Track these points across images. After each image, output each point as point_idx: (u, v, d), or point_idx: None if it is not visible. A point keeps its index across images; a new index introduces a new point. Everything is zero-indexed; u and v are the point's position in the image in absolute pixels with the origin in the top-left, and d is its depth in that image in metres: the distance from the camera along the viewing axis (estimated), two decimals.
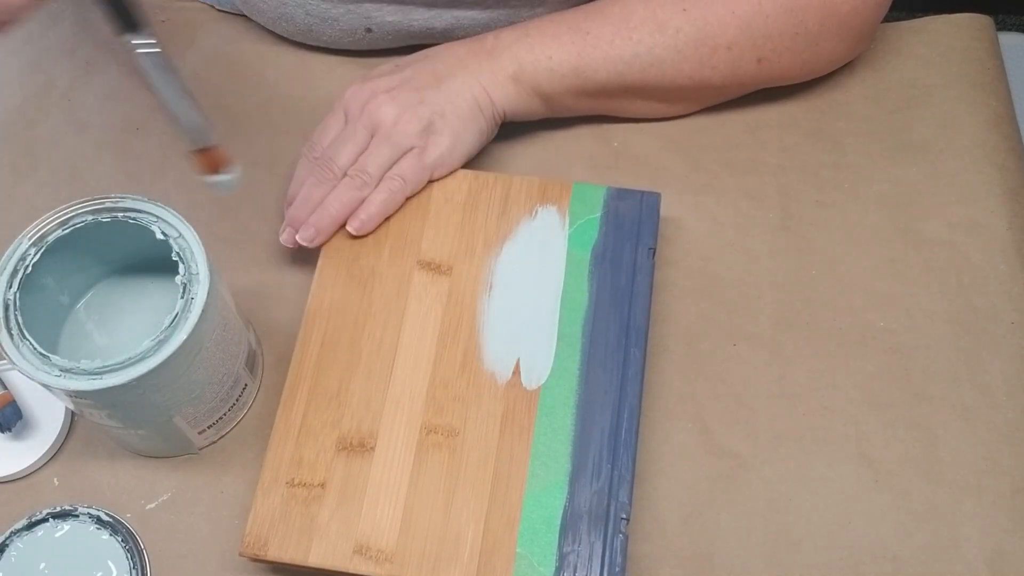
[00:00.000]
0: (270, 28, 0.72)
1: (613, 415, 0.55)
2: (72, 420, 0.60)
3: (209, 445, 0.60)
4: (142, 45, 0.38)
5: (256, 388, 0.61)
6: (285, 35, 0.72)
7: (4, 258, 0.52)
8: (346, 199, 0.60)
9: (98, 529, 0.56)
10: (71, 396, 0.50)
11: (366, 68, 0.72)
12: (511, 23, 0.68)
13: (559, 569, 0.52)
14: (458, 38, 0.70)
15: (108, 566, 0.55)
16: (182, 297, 0.51)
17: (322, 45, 0.72)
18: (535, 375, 0.56)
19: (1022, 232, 0.65)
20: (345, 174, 0.60)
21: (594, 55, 0.62)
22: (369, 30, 0.70)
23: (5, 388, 0.60)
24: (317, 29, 0.70)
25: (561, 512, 0.53)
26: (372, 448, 0.55)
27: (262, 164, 0.68)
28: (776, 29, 0.62)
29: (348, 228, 0.60)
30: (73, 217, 0.53)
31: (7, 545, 0.55)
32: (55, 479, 0.59)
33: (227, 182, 0.43)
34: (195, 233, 0.52)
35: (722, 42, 0.62)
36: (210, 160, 0.42)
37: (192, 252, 0.52)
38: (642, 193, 0.62)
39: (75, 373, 0.49)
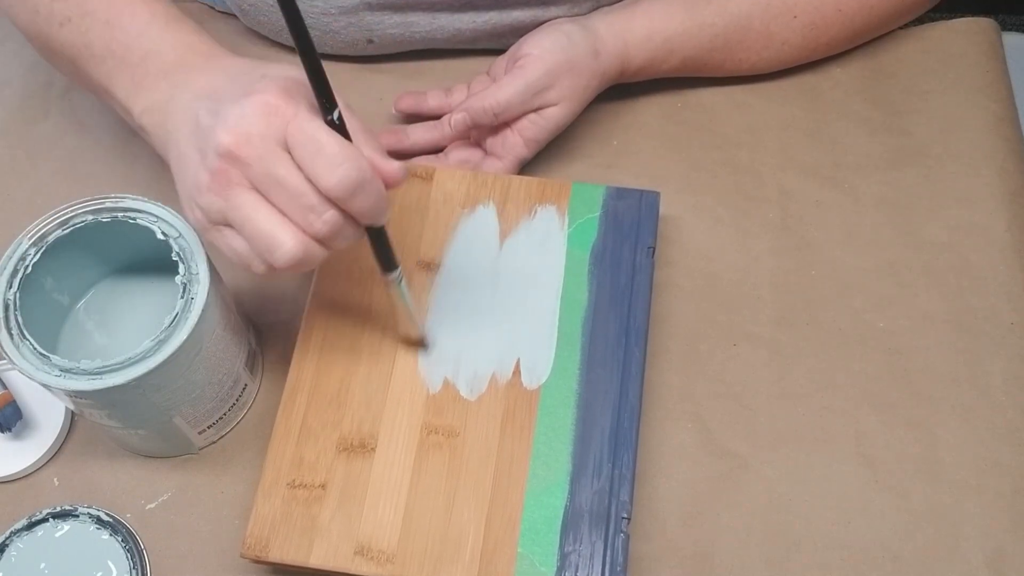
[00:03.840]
0: (272, 39, 0.72)
1: (613, 415, 0.55)
2: (72, 420, 0.60)
3: (209, 445, 0.60)
4: (397, 277, 0.52)
5: (256, 388, 0.61)
6: (287, 44, 0.72)
7: (4, 258, 0.52)
8: None
9: (98, 529, 0.56)
10: (71, 396, 0.50)
11: (366, 70, 0.72)
12: (513, 29, 0.68)
13: (560, 569, 0.52)
14: (460, 44, 0.71)
15: (108, 566, 0.55)
16: (182, 297, 0.51)
17: (323, 53, 0.72)
18: (535, 375, 0.56)
19: (1021, 234, 0.65)
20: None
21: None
22: (371, 41, 0.70)
23: (5, 388, 0.60)
24: (318, 40, 0.70)
25: (562, 512, 0.53)
26: (373, 449, 0.55)
27: None
28: None
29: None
30: (73, 217, 0.53)
31: (7, 545, 0.55)
32: (55, 479, 0.59)
33: (420, 353, 0.58)
34: (195, 233, 0.52)
35: None
36: (413, 343, 0.57)
37: (192, 252, 0.52)
38: (641, 192, 0.62)
39: (75, 373, 0.49)
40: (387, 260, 0.51)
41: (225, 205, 0.46)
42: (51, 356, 0.49)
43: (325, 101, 0.45)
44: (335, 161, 0.44)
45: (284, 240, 0.45)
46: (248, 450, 0.59)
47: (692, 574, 0.56)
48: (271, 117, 0.44)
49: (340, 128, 0.45)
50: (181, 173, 0.49)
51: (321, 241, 0.46)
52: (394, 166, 0.46)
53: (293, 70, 0.48)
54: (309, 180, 0.44)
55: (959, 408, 0.59)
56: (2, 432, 0.59)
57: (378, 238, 0.49)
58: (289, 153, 0.45)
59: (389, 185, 0.46)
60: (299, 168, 0.44)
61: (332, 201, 0.45)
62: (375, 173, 0.45)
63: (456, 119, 0.64)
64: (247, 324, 0.60)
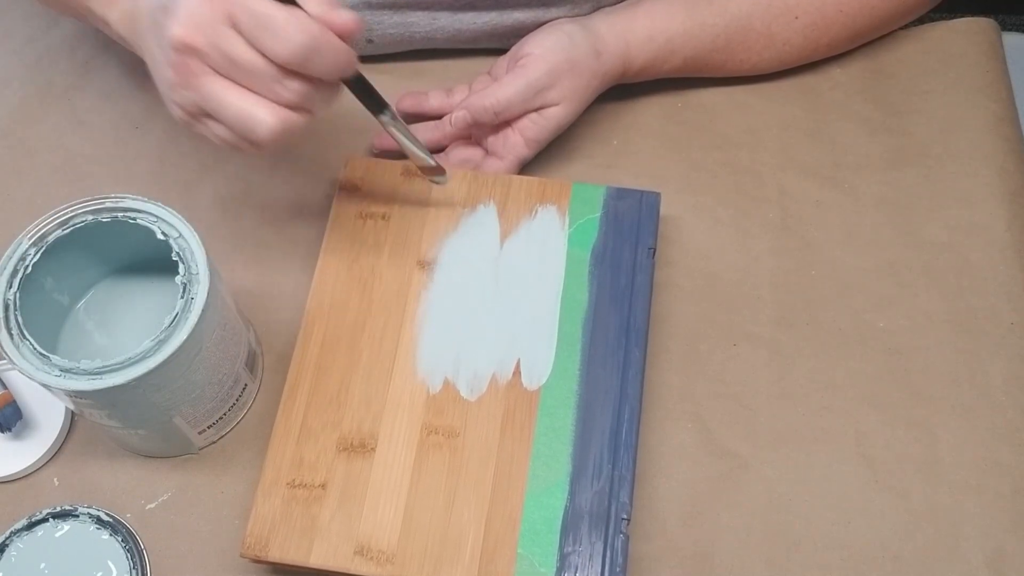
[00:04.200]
0: None
1: (613, 415, 0.55)
2: (72, 420, 0.60)
3: (209, 445, 0.60)
4: (389, 117, 0.54)
5: (256, 388, 0.61)
6: None
7: (4, 258, 0.52)
8: None
9: (98, 529, 0.56)
10: (71, 396, 0.50)
11: (366, 70, 0.71)
12: (513, 30, 0.68)
13: (560, 569, 0.52)
14: (460, 45, 0.71)
15: (108, 566, 0.55)
16: (182, 297, 0.51)
17: None
18: (535, 375, 0.56)
19: (1021, 234, 0.65)
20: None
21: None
22: (370, 41, 0.70)
23: (5, 388, 0.60)
24: None
25: (562, 512, 0.53)
26: (373, 449, 0.55)
27: (262, 165, 0.68)
28: None
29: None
30: (73, 217, 0.53)
31: (7, 545, 0.55)
32: (55, 479, 0.59)
33: (441, 180, 0.60)
34: (195, 233, 0.52)
35: None
36: (432, 172, 0.59)
37: (192, 252, 0.52)
38: (642, 193, 0.62)
39: (75, 373, 0.49)
40: (374, 104, 0.53)
41: (196, 96, 0.47)
42: (51, 356, 0.49)
43: None
44: (282, 33, 0.44)
45: (261, 116, 0.46)
46: (248, 450, 0.59)
47: (692, 574, 0.56)
48: (214, 1, 0.45)
49: None
50: (156, 76, 0.50)
51: (295, 108, 0.47)
52: (344, 16, 0.46)
53: None
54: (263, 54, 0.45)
55: (959, 408, 0.59)
56: (2, 432, 0.59)
57: (357, 86, 0.51)
58: (238, 32, 0.45)
59: (345, 37, 0.47)
60: (251, 44, 0.45)
61: (292, 70, 0.45)
62: (327, 30, 0.45)
63: (457, 117, 0.64)
64: (247, 324, 0.60)
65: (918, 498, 0.57)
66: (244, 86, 0.46)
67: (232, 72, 0.46)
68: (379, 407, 0.56)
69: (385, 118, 0.54)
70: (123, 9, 0.54)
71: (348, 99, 0.71)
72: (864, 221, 0.66)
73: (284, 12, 0.44)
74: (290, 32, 0.44)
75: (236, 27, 0.45)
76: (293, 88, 0.46)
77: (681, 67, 0.67)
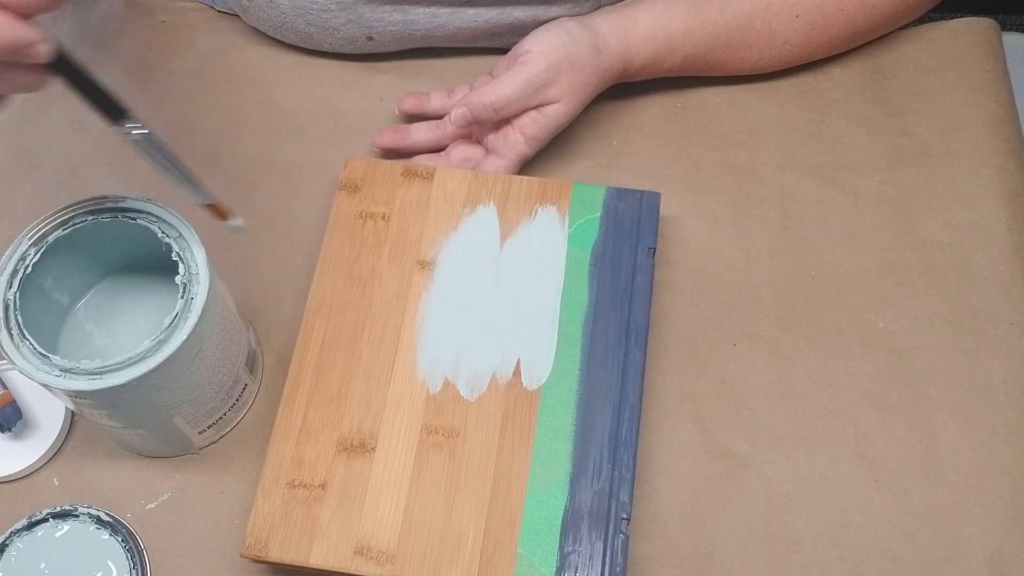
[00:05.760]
0: (271, 35, 0.72)
1: (613, 415, 0.55)
2: (72, 420, 0.60)
3: (209, 445, 0.60)
4: (133, 129, 0.44)
5: (256, 388, 0.61)
6: (286, 42, 0.72)
7: (4, 258, 0.52)
8: None
9: (98, 529, 0.56)
10: (71, 396, 0.50)
11: (366, 70, 0.72)
12: (513, 28, 0.68)
13: (560, 569, 0.52)
14: (460, 43, 0.71)
15: (108, 566, 0.55)
16: (182, 297, 0.51)
17: (323, 51, 0.72)
18: (535, 375, 0.56)
19: (1021, 234, 0.65)
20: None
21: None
22: (370, 38, 0.70)
23: (5, 388, 0.60)
24: (318, 37, 0.70)
25: (562, 512, 0.53)
26: (373, 449, 0.55)
27: (261, 164, 0.68)
28: None
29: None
30: (73, 217, 0.53)
31: (7, 545, 0.55)
32: (55, 479, 0.59)
33: (237, 227, 0.51)
34: (195, 233, 0.52)
35: None
36: (217, 211, 0.51)
37: (192, 252, 0.52)
38: (642, 193, 0.62)
39: (75, 373, 0.49)
40: (103, 106, 0.44)
41: None
42: (51, 356, 0.49)
43: None
44: None
45: None
46: (248, 450, 0.59)
47: (692, 574, 0.56)
48: None
49: None
50: None
51: None
52: None
53: None
54: None
55: (959, 408, 0.59)
56: (2, 432, 0.59)
57: (75, 80, 0.43)
58: None
59: (24, 11, 0.40)
60: None
61: None
62: None
63: (457, 114, 0.64)
64: (247, 324, 0.60)
65: (918, 498, 0.57)
66: None
67: None
68: (379, 407, 0.56)
69: (124, 128, 0.44)
70: None
71: (349, 101, 0.71)
72: (864, 221, 0.66)
73: None
74: None
75: None
76: None
77: (681, 65, 0.67)
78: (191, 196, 0.49)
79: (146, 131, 0.44)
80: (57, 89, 0.72)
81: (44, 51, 0.42)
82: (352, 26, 0.69)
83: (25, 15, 0.41)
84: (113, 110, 0.44)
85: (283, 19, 0.69)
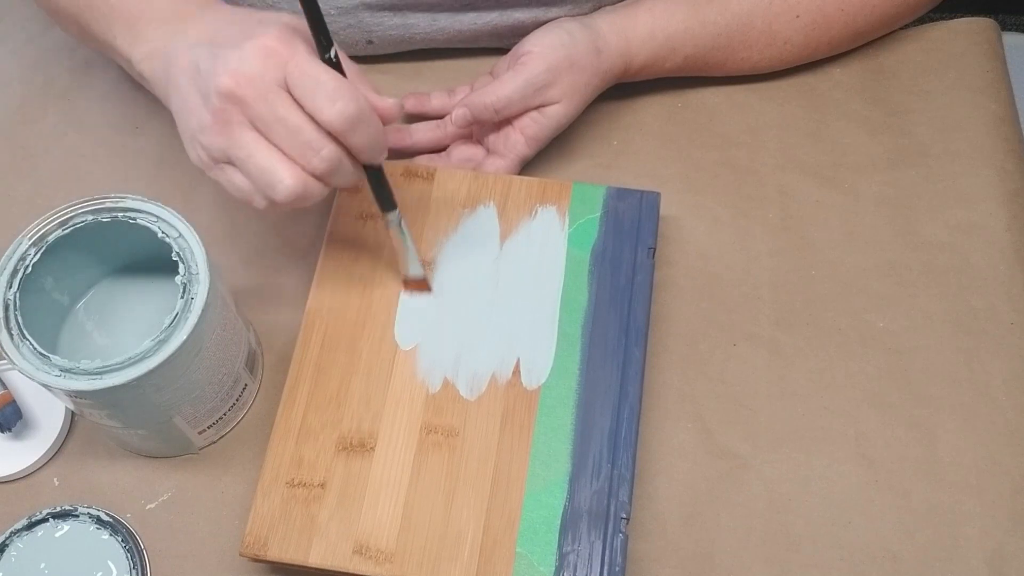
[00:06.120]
0: None
1: (613, 415, 0.55)
2: (72, 420, 0.60)
3: (209, 445, 0.60)
4: (396, 217, 0.54)
5: (256, 388, 0.61)
6: None
7: (4, 258, 0.52)
8: None
9: (98, 529, 0.56)
10: (71, 396, 0.50)
11: (368, 71, 0.72)
12: (513, 30, 0.68)
13: (559, 568, 0.52)
14: (460, 44, 0.71)
15: (108, 566, 0.55)
16: (182, 297, 0.51)
17: None
18: (535, 375, 0.56)
19: (1021, 234, 0.65)
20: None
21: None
22: (370, 42, 0.70)
23: (5, 388, 0.60)
24: None
25: (561, 512, 0.53)
26: (372, 448, 0.55)
27: None
28: None
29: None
30: (73, 217, 0.53)
31: (7, 545, 0.55)
32: (55, 479, 0.59)
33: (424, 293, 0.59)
34: (195, 233, 0.52)
35: None
36: (417, 285, 0.59)
37: (192, 252, 0.52)
38: (642, 193, 0.62)
39: (75, 373, 0.49)
40: (386, 200, 0.54)
41: (227, 143, 0.48)
42: (51, 356, 0.49)
43: (323, 39, 0.47)
44: (333, 95, 0.46)
45: (283, 176, 0.47)
46: (248, 450, 0.59)
47: (692, 574, 0.56)
48: (270, 59, 0.47)
49: (337, 66, 0.48)
50: (183, 116, 0.50)
51: (320, 177, 0.48)
52: (389, 102, 0.49)
53: (288, 16, 0.50)
54: (308, 117, 0.47)
55: (959, 408, 0.59)
56: (2, 432, 0.59)
57: (376, 178, 0.52)
58: (288, 93, 0.47)
59: (386, 120, 0.49)
60: (298, 106, 0.47)
61: (331, 136, 0.47)
62: (372, 109, 0.48)
63: (457, 114, 0.64)
64: (247, 324, 0.60)
65: (918, 498, 0.57)
66: (276, 144, 0.47)
67: (271, 128, 0.47)
68: (378, 407, 0.56)
69: (392, 216, 0.54)
70: (153, 48, 0.54)
71: None
72: (864, 221, 0.66)
73: (339, 79, 0.47)
74: (343, 97, 0.46)
75: (288, 86, 0.47)
76: (324, 155, 0.47)
77: (682, 65, 0.67)
78: (410, 269, 0.58)
79: (402, 218, 0.55)
80: (57, 89, 0.72)
81: (383, 156, 0.50)
82: (352, 30, 0.69)
83: (385, 123, 0.49)
84: (389, 203, 0.54)
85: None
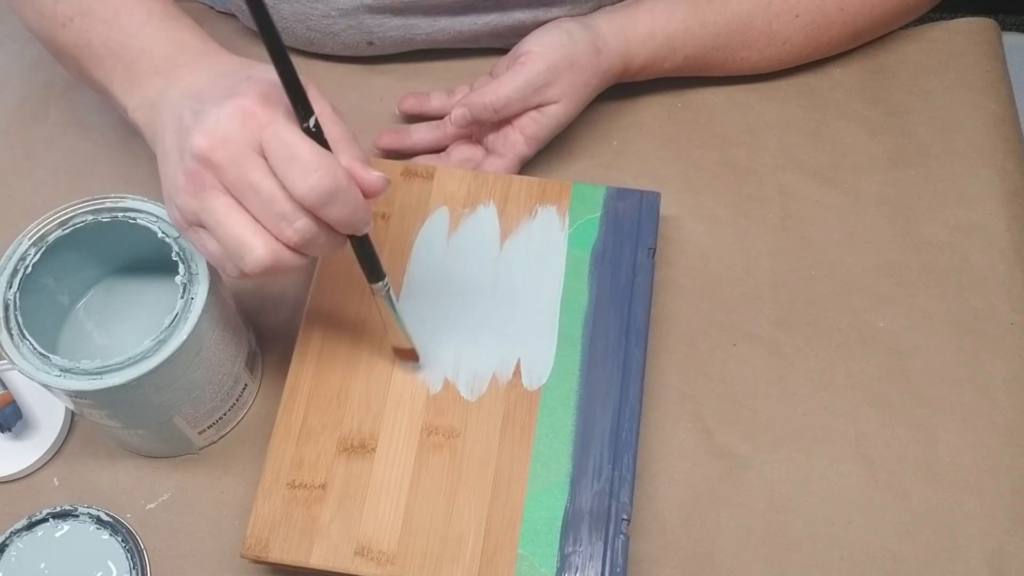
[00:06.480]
0: None
1: (614, 415, 0.55)
2: (72, 420, 0.60)
3: (209, 445, 0.60)
4: (383, 287, 0.51)
5: (256, 388, 0.61)
6: (287, 44, 0.72)
7: (4, 258, 0.52)
8: None
9: (98, 529, 0.56)
10: (71, 396, 0.50)
11: (366, 70, 0.72)
12: (513, 30, 0.68)
13: (560, 570, 0.52)
14: (461, 44, 0.71)
15: (108, 566, 0.55)
16: (182, 297, 0.51)
17: (323, 54, 0.72)
18: (535, 376, 0.56)
19: (1021, 234, 0.65)
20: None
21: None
22: (371, 43, 0.70)
23: (5, 388, 0.60)
24: (318, 42, 0.70)
25: (562, 513, 0.53)
26: (373, 449, 0.55)
27: None
28: None
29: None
30: (73, 217, 0.53)
31: (7, 545, 0.55)
32: (55, 479, 0.59)
33: (416, 366, 0.57)
34: None
35: None
36: (405, 355, 0.56)
37: (192, 252, 0.52)
38: (642, 193, 0.62)
39: (75, 373, 0.49)
40: (372, 270, 0.50)
41: (199, 207, 0.45)
42: (51, 356, 0.49)
43: (300, 108, 0.44)
44: (308, 168, 0.43)
45: (255, 246, 0.44)
46: (248, 450, 0.59)
47: (692, 574, 0.56)
48: (247, 121, 0.44)
49: (317, 135, 0.44)
50: (163, 170, 0.49)
51: (294, 249, 0.45)
52: (373, 176, 0.45)
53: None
54: (282, 186, 0.44)
55: (959, 408, 0.59)
56: (2, 432, 0.59)
57: (361, 247, 0.49)
58: (264, 158, 0.44)
59: (368, 194, 0.46)
60: (273, 174, 0.44)
61: (305, 209, 0.44)
62: (352, 182, 0.44)
63: (457, 114, 0.64)
64: (247, 324, 0.60)
65: (918, 498, 0.57)
66: (250, 212, 0.45)
67: (244, 195, 0.44)
68: (379, 407, 0.56)
69: (378, 287, 0.51)
70: (146, 97, 0.52)
71: (348, 101, 0.71)
72: (864, 221, 0.66)
73: (315, 151, 0.43)
74: (317, 171, 0.43)
75: (264, 152, 0.44)
76: (298, 227, 0.44)
77: (682, 65, 0.67)
78: (400, 341, 0.55)
79: (389, 287, 0.51)
80: (57, 89, 0.72)
81: (368, 227, 0.47)
82: (353, 32, 0.69)
83: (369, 196, 0.46)
84: (376, 273, 0.50)
85: (284, 24, 0.69)
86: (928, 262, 0.64)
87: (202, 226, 0.46)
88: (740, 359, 0.61)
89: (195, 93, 0.48)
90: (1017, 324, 0.62)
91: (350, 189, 0.44)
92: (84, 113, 0.71)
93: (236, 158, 0.44)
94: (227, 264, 0.46)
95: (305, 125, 0.44)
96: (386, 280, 0.51)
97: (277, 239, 0.45)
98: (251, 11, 0.40)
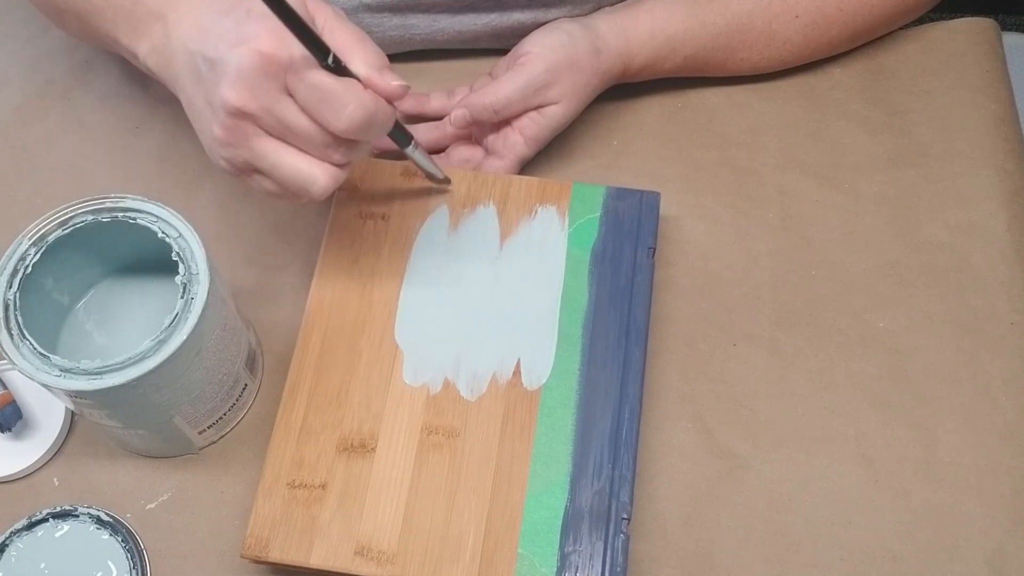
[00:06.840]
0: None
1: (614, 415, 0.55)
2: (72, 420, 0.60)
3: (209, 445, 0.60)
4: (413, 148, 0.57)
5: (256, 388, 0.61)
6: None
7: (4, 258, 0.52)
8: None
9: (98, 529, 0.56)
10: (71, 396, 0.50)
11: None
12: (513, 31, 0.68)
13: (560, 569, 0.52)
14: (460, 45, 0.71)
15: (108, 566, 0.55)
16: (182, 297, 0.51)
17: None
18: (536, 375, 0.56)
19: (1021, 234, 0.65)
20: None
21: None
22: None
23: (5, 388, 0.60)
24: None
25: (562, 512, 0.53)
26: (373, 449, 0.55)
27: None
28: None
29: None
30: (73, 217, 0.53)
31: (7, 545, 0.55)
32: (55, 479, 0.59)
33: (448, 187, 0.62)
34: (195, 233, 0.52)
35: None
36: (441, 183, 0.62)
37: (192, 252, 0.52)
38: (642, 193, 0.62)
39: (75, 373, 0.49)
40: (402, 138, 0.56)
41: (248, 155, 0.48)
42: (51, 356, 0.49)
43: (316, 51, 0.46)
44: (339, 105, 0.46)
45: (316, 176, 0.48)
46: (248, 450, 0.59)
47: (692, 574, 0.56)
48: (268, 66, 0.46)
49: (336, 68, 0.47)
50: (196, 120, 0.51)
51: (344, 167, 0.49)
52: (393, 85, 0.48)
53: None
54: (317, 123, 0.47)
55: (959, 408, 0.59)
56: (2, 432, 0.59)
57: (392, 130, 0.52)
58: (292, 98, 0.47)
59: (393, 100, 0.48)
60: (305, 112, 0.47)
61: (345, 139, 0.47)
62: (381, 100, 0.47)
63: (457, 115, 0.64)
64: (247, 324, 0.60)
65: (918, 498, 0.57)
66: (296, 147, 0.48)
67: (284, 135, 0.47)
68: (379, 407, 0.56)
69: (409, 149, 0.56)
70: (154, 43, 0.53)
71: None
72: (864, 221, 0.66)
73: (342, 85, 0.46)
74: (347, 105, 0.46)
75: (292, 94, 0.47)
76: (344, 152, 0.48)
77: (682, 66, 0.67)
78: (437, 175, 0.60)
79: (420, 147, 0.57)
80: (57, 89, 0.72)
81: (393, 120, 0.50)
82: None
83: (393, 101, 0.49)
84: (404, 139, 0.56)
85: None
86: (928, 262, 0.64)
87: (256, 171, 0.49)
88: (740, 359, 0.61)
89: (200, 36, 0.49)
90: (1017, 324, 0.62)
91: (381, 107, 0.47)
92: (84, 113, 0.71)
93: (268, 105, 0.46)
94: (289, 197, 0.50)
95: (324, 63, 0.46)
96: (414, 141, 0.56)
97: (329, 163, 0.48)
98: None
